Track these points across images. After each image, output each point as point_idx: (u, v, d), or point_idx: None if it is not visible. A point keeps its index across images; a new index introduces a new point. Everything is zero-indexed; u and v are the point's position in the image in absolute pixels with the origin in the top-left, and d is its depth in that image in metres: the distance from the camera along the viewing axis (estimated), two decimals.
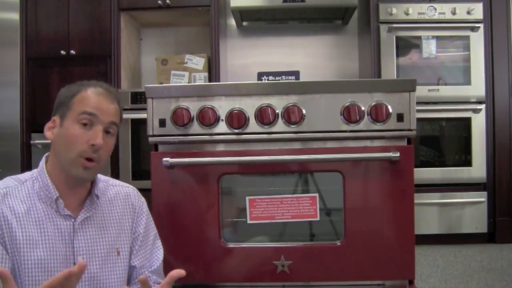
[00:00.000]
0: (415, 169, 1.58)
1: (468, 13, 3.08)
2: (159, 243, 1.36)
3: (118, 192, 1.28)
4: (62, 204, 1.14)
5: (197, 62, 3.32)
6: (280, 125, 1.55)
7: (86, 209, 1.18)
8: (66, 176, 1.15)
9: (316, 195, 1.58)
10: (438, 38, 3.12)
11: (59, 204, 1.14)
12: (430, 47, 3.12)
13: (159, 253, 1.34)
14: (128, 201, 1.29)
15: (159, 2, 3.21)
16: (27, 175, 1.18)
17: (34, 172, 1.18)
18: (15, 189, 1.13)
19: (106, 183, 1.28)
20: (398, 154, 1.50)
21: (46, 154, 1.21)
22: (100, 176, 1.26)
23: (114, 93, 1.21)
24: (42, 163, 1.18)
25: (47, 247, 1.11)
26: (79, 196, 1.18)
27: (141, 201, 1.33)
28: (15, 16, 3.24)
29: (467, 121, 3.07)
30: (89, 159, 1.13)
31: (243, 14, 3.39)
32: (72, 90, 1.17)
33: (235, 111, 1.55)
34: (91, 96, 1.16)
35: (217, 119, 1.55)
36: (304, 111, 1.54)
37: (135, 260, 1.28)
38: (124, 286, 1.20)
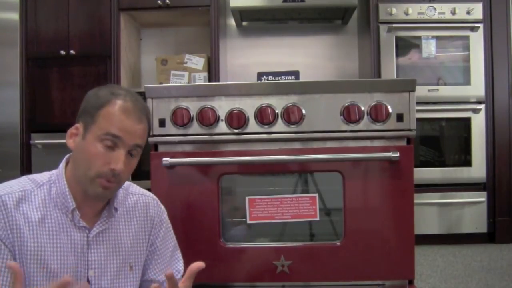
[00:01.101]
0: (415, 169, 1.58)
1: (468, 13, 3.09)
2: (178, 254, 1.30)
3: (137, 202, 1.23)
4: (79, 215, 1.09)
5: (197, 62, 3.32)
6: (280, 125, 1.55)
7: (102, 221, 1.13)
8: (83, 189, 1.10)
9: (316, 195, 1.58)
10: (437, 38, 3.12)
11: (75, 215, 1.09)
12: (429, 47, 3.12)
13: (179, 265, 1.28)
14: (148, 213, 1.23)
15: (159, 2, 3.21)
16: (45, 176, 1.12)
17: (53, 174, 1.12)
18: (31, 193, 1.08)
19: (126, 191, 1.22)
20: (398, 154, 1.50)
21: (68, 155, 1.15)
22: None
23: (143, 109, 1.12)
24: (62, 166, 1.12)
25: (59, 259, 1.07)
26: (96, 207, 1.13)
27: (161, 211, 1.28)
28: (15, 16, 3.24)
29: (467, 121, 3.07)
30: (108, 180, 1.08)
31: (243, 14, 3.39)
32: (101, 99, 1.09)
33: (235, 111, 1.55)
34: (118, 114, 1.07)
35: (217, 119, 1.55)
36: (304, 111, 1.54)
37: (151, 274, 1.23)
38: None
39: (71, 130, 1.10)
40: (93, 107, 1.08)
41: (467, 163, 3.09)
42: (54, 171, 1.13)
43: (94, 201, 1.11)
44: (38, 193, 1.09)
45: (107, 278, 1.12)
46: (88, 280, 1.10)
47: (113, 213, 1.15)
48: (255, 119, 1.55)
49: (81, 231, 1.10)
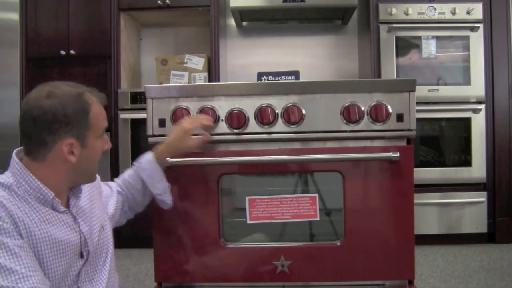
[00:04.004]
0: (415, 169, 1.58)
1: (468, 13, 3.09)
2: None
3: None
4: (59, 202, 1.15)
5: (197, 62, 3.32)
6: (280, 125, 1.55)
7: (73, 198, 1.22)
8: (78, 182, 1.22)
9: (316, 195, 1.58)
10: (438, 38, 3.12)
11: (56, 203, 1.14)
12: (430, 47, 3.12)
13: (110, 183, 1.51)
14: (94, 183, 1.35)
15: (159, 2, 3.21)
16: (2, 178, 1.12)
17: (8, 176, 1.12)
18: (7, 193, 1.09)
19: None
20: (398, 154, 1.49)
21: (16, 153, 1.15)
22: None
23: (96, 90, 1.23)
24: (21, 166, 1.11)
25: (65, 239, 1.13)
26: (67, 191, 1.21)
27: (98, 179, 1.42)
28: (15, 16, 3.24)
29: (467, 121, 3.07)
30: None
31: (243, 14, 3.39)
32: (78, 107, 1.13)
33: (235, 111, 1.55)
34: (100, 109, 1.19)
35: (217, 119, 1.55)
36: (304, 111, 1.54)
37: (120, 200, 1.47)
38: (110, 255, 1.32)
39: (65, 149, 1.11)
40: (78, 116, 1.12)
41: (467, 163, 3.09)
42: (7, 173, 1.13)
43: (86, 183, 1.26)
44: (11, 192, 1.09)
45: (94, 242, 1.24)
46: (81, 254, 1.20)
47: (80, 189, 1.25)
48: (255, 119, 1.55)
49: (63, 213, 1.17)
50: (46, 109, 1.09)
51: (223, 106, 1.56)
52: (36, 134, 1.10)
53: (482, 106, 3.07)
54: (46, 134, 1.10)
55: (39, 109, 1.09)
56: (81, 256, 1.19)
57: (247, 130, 1.56)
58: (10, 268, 0.99)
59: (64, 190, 1.18)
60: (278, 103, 1.55)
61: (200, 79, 3.29)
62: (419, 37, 3.12)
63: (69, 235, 1.15)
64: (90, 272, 1.24)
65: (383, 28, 3.10)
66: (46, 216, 1.11)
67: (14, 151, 1.16)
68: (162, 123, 1.57)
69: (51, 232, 1.10)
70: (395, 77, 3.08)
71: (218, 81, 3.21)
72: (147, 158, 1.47)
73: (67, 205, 1.20)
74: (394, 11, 3.09)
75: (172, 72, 3.31)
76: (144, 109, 1.60)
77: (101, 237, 1.28)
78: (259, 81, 1.78)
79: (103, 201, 1.41)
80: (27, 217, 1.07)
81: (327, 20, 3.61)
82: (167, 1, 3.21)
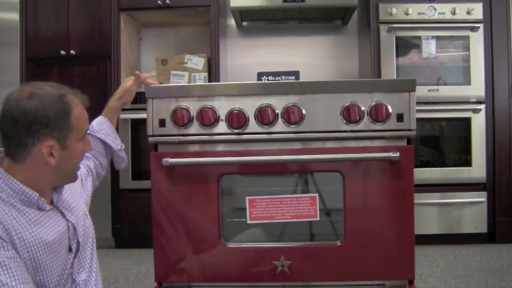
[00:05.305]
0: (415, 169, 1.58)
1: (468, 13, 3.09)
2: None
3: None
4: (45, 201, 1.15)
5: (197, 62, 3.32)
6: (280, 125, 1.55)
7: (56, 192, 1.22)
8: (60, 183, 1.21)
9: (316, 195, 1.58)
10: (438, 38, 3.12)
11: (41, 203, 1.14)
12: (430, 47, 3.12)
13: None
14: None
15: (159, 2, 3.21)
16: None
17: None
18: None
19: None
20: (398, 154, 1.49)
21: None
22: None
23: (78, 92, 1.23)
24: (1, 171, 1.10)
25: (56, 238, 1.14)
26: (51, 189, 1.22)
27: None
28: (15, 16, 3.24)
29: (467, 121, 3.07)
30: None
31: (243, 14, 3.39)
32: (60, 108, 1.11)
33: (235, 111, 1.55)
34: (81, 111, 1.18)
35: (217, 119, 1.55)
36: (304, 111, 1.54)
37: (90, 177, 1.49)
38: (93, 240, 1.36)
39: (45, 151, 1.10)
40: (58, 118, 1.11)
41: (467, 163, 3.09)
42: None
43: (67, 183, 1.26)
44: None
45: (81, 232, 1.27)
46: (70, 248, 1.22)
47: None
48: (255, 119, 1.55)
49: (50, 210, 1.17)
50: (26, 109, 1.07)
51: (223, 106, 1.56)
52: (16, 135, 1.08)
53: (482, 106, 3.07)
54: (26, 135, 1.08)
55: (20, 110, 1.07)
56: (70, 250, 1.21)
57: (247, 130, 1.56)
58: (0, 281, 0.99)
59: (47, 190, 1.18)
60: (278, 103, 1.55)
61: (200, 79, 3.29)
62: (419, 37, 3.12)
63: (59, 230, 1.16)
64: (82, 261, 1.27)
65: (383, 28, 3.10)
66: (34, 218, 1.11)
67: None
68: (162, 123, 1.57)
69: (41, 234, 1.10)
70: (395, 77, 3.08)
71: (218, 81, 3.21)
72: (96, 121, 1.54)
73: (51, 201, 1.20)
74: (394, 11, 3.09)
75: (172, 72, 3.32)
76: (144, 109, 1.60)
77: (85, 225, 1.31)
78: (259, 81, 1.78)
79: (83, 183, 1.43)
80: (16, 222, 1.06)
81: (327, 20, 3.61)
82: (167, 1, 3.21)
